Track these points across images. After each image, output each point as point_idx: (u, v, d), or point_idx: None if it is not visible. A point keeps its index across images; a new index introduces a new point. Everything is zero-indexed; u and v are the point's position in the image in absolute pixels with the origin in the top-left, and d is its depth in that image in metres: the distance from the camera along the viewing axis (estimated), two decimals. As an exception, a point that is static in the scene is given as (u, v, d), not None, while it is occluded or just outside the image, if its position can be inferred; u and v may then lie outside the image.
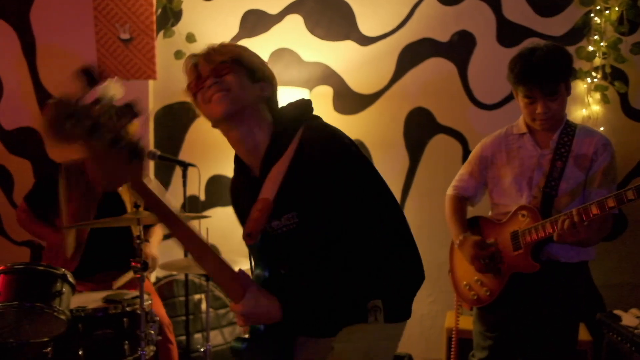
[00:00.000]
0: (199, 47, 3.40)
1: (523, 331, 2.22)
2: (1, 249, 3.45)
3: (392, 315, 1.35)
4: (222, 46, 1.44)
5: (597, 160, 2.13)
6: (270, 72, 1.48)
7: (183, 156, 3.45)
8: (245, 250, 1.52)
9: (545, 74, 2.05)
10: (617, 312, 2.73)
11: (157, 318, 2.47)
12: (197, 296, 3.30)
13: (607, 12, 3.32)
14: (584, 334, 2.88)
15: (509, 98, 3.36)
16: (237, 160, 1.53)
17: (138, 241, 2.21)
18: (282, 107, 1.49)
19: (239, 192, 1.57)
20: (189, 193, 3.14)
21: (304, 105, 1.47)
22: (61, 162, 2.90)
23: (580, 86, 3.45)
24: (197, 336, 3.25)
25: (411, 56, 3.45)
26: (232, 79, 1.39)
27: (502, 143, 2.29)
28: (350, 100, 3.43)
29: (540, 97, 2.08)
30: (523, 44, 3.44)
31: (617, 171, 2.21)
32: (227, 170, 3.49)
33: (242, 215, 1.52)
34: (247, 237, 1.39)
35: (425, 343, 3.40)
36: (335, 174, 1.32)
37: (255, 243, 1.41)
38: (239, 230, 1.61)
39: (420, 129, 3.44)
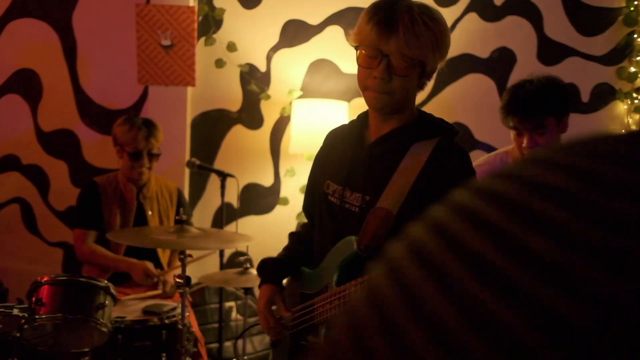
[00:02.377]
0: (240, 56, 3.47)
1: None
2: (35, 250, 3.47)
3: None
4: (418, 37, 1.28)
5: None
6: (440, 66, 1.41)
7: (219, 163, 3.45)
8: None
9: (529, 108, 1.99)
10: None
11: (194, 330, 2.48)
12: (227, 304, 3.31)
13: (652, 33, 3.28)
14: None
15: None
16: (357, 121, 1.49)
17: (182, 256, 2.21)
18: (425, 112, 1.48)
19: (337, 141, 1.52)
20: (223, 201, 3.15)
21: (448, 123, 1.45)
22: (95, 179, 2.88)
23: (620, 107, 3.42)
24: (227, 344, 3.25)
25: (450, 71, 3.43)
26: (401, 84, 1.33)
27: (496, 169, 2.23)
28: (387, 114, 3.42)
29: (526, 130, 2.02)
30: (564, 62, 3.45)
31: None
32: (262, 178, 3.51)
33: (326, 164, 1.50)
34: (363, 249, 1.31)
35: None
36: None
37: (369, 256, 1.32)
38: (271, 238, 1.62)
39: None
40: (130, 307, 2.50)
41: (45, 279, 2.18)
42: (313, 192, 1.57)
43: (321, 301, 1.39)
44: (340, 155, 1.47)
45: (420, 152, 1.35)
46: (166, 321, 2.36)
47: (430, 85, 3.50)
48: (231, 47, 3.38)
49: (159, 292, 2.71)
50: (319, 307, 1.40)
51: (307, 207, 1.63)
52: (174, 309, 2.41)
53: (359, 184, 1.40)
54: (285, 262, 1.58)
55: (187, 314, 2.44)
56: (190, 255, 2.28)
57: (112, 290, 2.24)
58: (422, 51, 1.30)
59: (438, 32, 1.32)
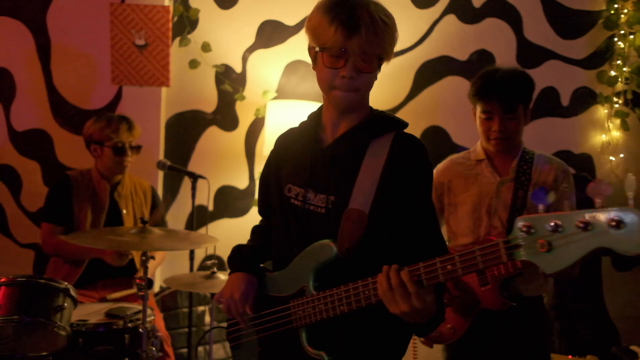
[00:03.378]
0: (215, 56, 3.43)
1: None
2: (6, 251, 3.42)
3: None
4: (378, 34, 1.31)
5: (558, 189, 2.05)
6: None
7: (193, 165, 3.41)
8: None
9: (505, 89, 2.01)
10: (634, 348, 2.66)
11: (159, 334, 2.42)
12: (200, 308, 3.26)
13: (632, 37, 3.25)
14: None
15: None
16: (309, 122, 1.49)
17: (144, 258, 2.16)
18: (374, 108, 1.48)
19: (290, 144, 1.51)
20: (197, 203, 3.10)
21: (397, 117, 1.46)
22: (68, 173, 2.86)
23: (600, 111, 3.39)
24: (200, 349, 3.20)
25: (428, 74, 3.40)
26: (367, 79, 1.36)
27: (460, 169, 2.18)
28: (364, 116, 3.38)
29: (497, 114, 2.01)
30: (543, 65, 3.41)
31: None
32: (236, 181, 3.46)
33: (283, 168, 1.49)
34: (344, 252, 1.32)
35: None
36: (421, 189, 1.39)
37: (350, 258, 1.33)
38: (243, 240, 1.58)
39: (435, 147, 3.38)
40: (93, 310, 2.45)
41: (2, 280, 2.13)
42: (268, 195, 1.56)
43: (299, 305, 1.38)
44: (297, 158, 1.46)
45: (380, 148, 1.37)
46: (129, 324, 2.31)
47: (407, 87, 3.50)
48: (206, 47, 3.34)
49: (133, 291, 2.65)
50: (298, 311, 1.38)
51: (262, 209, 1.62)
52: (138, 312, 2.36)
53: (322, 185, 1.39)
54: (259, 254, 1.57)
55: (153, 317, 2.40)
56: (152, 257, 2.23)
57: (72, 292, 2.18)
58: (382, 48, 1.33)
59: (393, 27, 1.35)
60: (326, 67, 1.34)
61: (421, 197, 1.38)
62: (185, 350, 3.06)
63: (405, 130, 1.43)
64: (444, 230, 2.27)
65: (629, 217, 0.93)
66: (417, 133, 3.39)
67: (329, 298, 1.32)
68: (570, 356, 2.92)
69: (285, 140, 1.55)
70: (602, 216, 0.95)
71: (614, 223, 0.93)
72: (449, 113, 3.40)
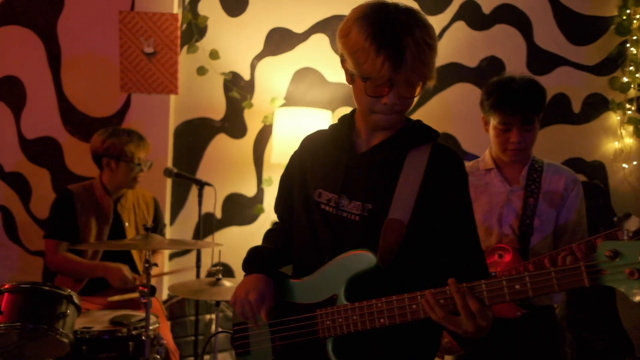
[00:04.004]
0: (223, 64, 3.44)
1: None
2: (16, 258, 3.43)
3: None
4: (424, 62, 1.26)
5: (568, 197, 2.03)
6: None
7: (201, 172, 3.40)
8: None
9: (525, 101, 1.98)
10: (646, 360, 2.59)
11: (164, 342, 2.41)
12: (207, 316, 3.24)
13: (645, 42, 3.20)
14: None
15: (537, 128, 3.26)
16: (341, 126, 1.46)
17: (146, 265, 2.15)
18: (408, 117, 1.47)
19: (318, 147, 1.48)
20: (204, 211, 3.09)
21: (431, 127, 1.45)
22: (70, 188, 2.84)
23: (613, 118, 3.34)
24: (207, 357, 3.18)
25: (438, 80, 3.36)
26: (409, 103, 1.34)
27: (469, 178, 2.17)
28: (373, 123, 3.36)
29: (517, 125, 1.98)
30: (554, 72, 3.37)
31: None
32: (245, 189, 3.45)
33: (311, 172, 1.46)
34: (384, 263, 1.29)
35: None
36: (461, 202, 1.38)
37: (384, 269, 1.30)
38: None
39: (444, 155, 3.35)
40: (98, 317, 2.44)
41: (6, 286, 2.13)
42: (290, 198, 1.51)
43: (327, 315, 1.32)
44: (329, 162, 1.42)
45: (418, 159, 1.35)
46: (134, 332, 2.30)
47: (416, 94, 3.47)
48: (214, 54, 3.34)
49: (135, 295, 2.64)
50: (326, 321, 1.32)
51: (281, 211, 1.58)
52: (143, 319, 2.34)
53: (358, 192, 1.36)
54: (278, 258, 1.50)
55: (157, 325, 2.38)
56: (155, 264, 2.22)
57: (76, 299, 2.17)
58: (426, 74, 1.30)
59: (436, 48, 1.31)
60: (369, 95, 1.30)
61: (462, 210, 1.37)
62: (192, 358, 3.04)
63: None
64: None
65: None
66: (426, 140, 3.36)
67: (366, 309, 1.26)
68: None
69: (314, 143, 1.50)
70: None
71: None
72: (458, 120, 3.37)
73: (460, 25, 3.39)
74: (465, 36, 3.40)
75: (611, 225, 1.82)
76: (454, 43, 3.39)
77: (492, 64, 3.37)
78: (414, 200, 1.31)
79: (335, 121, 1.51)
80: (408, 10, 1.29)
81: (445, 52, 3.38)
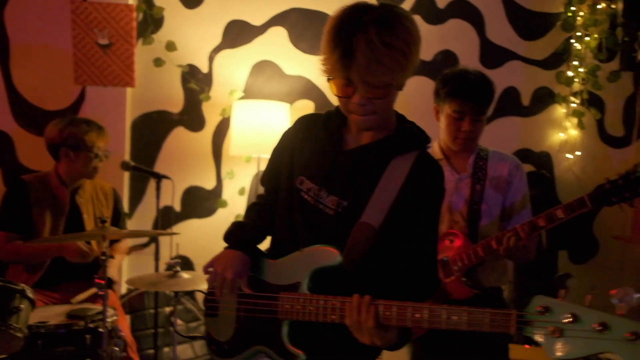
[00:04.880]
0: (180, 56, 3.41)
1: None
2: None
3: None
4: (380, 61, 1.21)
5: (512, 182, 2.15)
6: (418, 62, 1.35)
7: (160, 166, 3.38)
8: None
9: (480, 91, 2.09)
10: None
11: (122, 334, 2.40)
12: (167, 309, 3.24)
13: (587, 39, 3.35)
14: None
15: (490, 118, 3.38)
16: (335, 117, 1.45)
17: (103, 257, 2.14)
18: (404, 118, 1.48)
19: (311, 133, 1.48)
20: (163, 204, 3.09)
21: (424, 132, 1.46)
22: (23, 178, 2.75)
23: (559, 110, 3.48)
24: (166, 350, 3.18)
25: (394, 74, 3.44)
26: (381, 103, 1.31)
27: None
28: (331, 116, 3.41)
29: (469, 115, 2.08)
30: (505, 66, 3.49)
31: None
32: (204, 181, 3.45)
33: (299, 157, 1.47)
34: (348, 264, 1.32)
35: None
36: (431, 216, 1.40)
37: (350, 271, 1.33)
38: (211, 243, 1.57)
39: (400, 147, 3.43)
40: (54, 311, 2.41)
41: (-43, 283, 2.09)
42: (278, 172, 1.53)
43: (288, 299, 1.37)
44: (316, 152, 1.45)
45: (401, 166, 1.37)
46: (91, 325, 2.29)
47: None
48: (171, 46, 3.31)
49: (96, 290, 2.60)
50: (285, 304, 1.38)
51: (268, 185, 1.60)
52: (100, 312, 2.33)
53: (338, 188, 1.39)
54: (259, 234, 1.55)
55: (115, 317, 2.37)
56: (112, 256, 2.21)
57: (29, 293, 2.14)
58: (388, 74, 1.24)
59: (404, 46, 1.25)
60: (337, 95, 1.32)
61: (429, 224, 1.40)
62: (152, 351, 3.04)
63: None
64: None
65: None
66: (383, 132, 3.43)
67: (322, 303, 1.32)
68: (527, 346, 3.01)
69: (307, 126, 1.51)
70: (622, 325, 0.95)
71: (632, 336, 0.93)
72: (414, 112, 3.39)
73: (415, 19, 3.44)
74: (421, 30, 3.46)
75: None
76: (410, 37, 3.46)
77: (447, 58, 3.46)
78: (389, 207, 1.33)
79: (293, 113, 1.54)
80: (378, 10, 1.26)
81: (401, 46, 3.44)
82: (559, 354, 1.01)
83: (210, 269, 1.48)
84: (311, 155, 1.45)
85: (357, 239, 1.34)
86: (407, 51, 1.25)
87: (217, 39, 3.40)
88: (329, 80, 1.31)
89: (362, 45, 1.22)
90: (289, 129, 1.56)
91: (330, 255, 1.34)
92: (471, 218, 2.13)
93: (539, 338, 1.05)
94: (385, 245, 1.35)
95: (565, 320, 1.01)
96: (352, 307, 1.24)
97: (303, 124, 1.53)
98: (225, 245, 1.54)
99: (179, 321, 3.18)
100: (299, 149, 1.49)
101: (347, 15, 1.28)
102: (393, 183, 1.35)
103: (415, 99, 3.45)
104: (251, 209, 1.63)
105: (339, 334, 1.34)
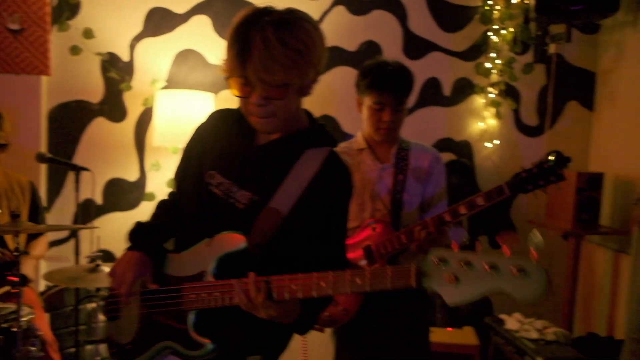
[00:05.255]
0: (99, 44, 3.29)
1: (380, 347, 2.21)
2: None
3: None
4: (276, 59, 1.21)
5: (433, 173, 2.24)
6: (321, 68, 1.35)
7: (79, 158, 3.27)
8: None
9: (399, 82, 2.14)
10: (502, 316, 2.89)
11: (40, 333, 2.32)
12: (90, 305, 3.14)
13: (504, 32, 3.49)
14: (471, 338, 3.04)
15: (412, 108, 3.47)
16: (242, 114, 1.41)
17: (16, 253, 2.06)
18: (314, 117, 1.48)
19: (223, 129, 1.47)
20: (84, 197, 2.99)
21: (331, 135, 1.48)
22: None
23: (478, 101, 3.62)
24: (89, 347, 3.09)
25: (319, 64, 3.46)
26: (281, 105, 1.29)
27: (343, 157, 2.30)
28: (257, 106, 3.39)
29: (389, 105, 2.13)
30: (427, 57, 3.59)
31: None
32: (127, 173, 3.36)
33: (209, 152, 1.46)
34: (253, 247, 1.32)
35: None
36: (341, 206, 1.43)
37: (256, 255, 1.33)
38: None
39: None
40: (-35, 312, 2.30)
41: None
42: (189, 166, 1.51)
43: (192, 289, 1.37)
44: (228, 147, 1.43)
45: (313, 158, 1.39)
46: (4, 325, 2.20)
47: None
48: (88, 33, 3.20)
49: (7, 288, 2.50)
50: (190, 295, 1.37)
51: (178, 181, 1.58)
52: (15, 311, 2.24)
53: (250, 183, 1.39)
54: (162, 233, 1.52)
55: (31, 315, 2.29)
56: (26, 252, 2.13)
57: None
58: (283, 72, 1.23)
59: (301, 46, 1.23)
60: (236, 95, 1.31)
61: (337, 216, 1.43)
62: (73, 349, 2.95)
63: None
64: None
65: (532, 268, 1.00)
66: (310, 122, 3.46)
67: (227, 287, 1.32)
68: (449, 328, 3.14)
69: (221, 121, 1.50)
70: (509, 263, 1.02)
71: (518, 271, 1.01)
72: (338, 102, 3.49)
73: (340, 9, 3.50)
74: (345, 20, 3.51)
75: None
76: (334, 27, 3.49)
77: (371, 48, 3.52)
78: (298, 196, 1.35)
79: (217, 103, 1.53)
80: (280, 12, 1.27)
81: (326, 36, 3.47)
82: (456, 299, 1.07)
83: (112, 275, 1.47)
84: (223, 149, 1.45)
85: (265, 223, 1.35)
86: (304, 51, 1.24)
87: (138, 27, 3.31)
88: (227, 79, 1.31)
89: (257, 42, 1.22)
90: (202, 124, 1.55)
91: (235, 240, 1.34)
92: (394, 207, 2.19)
93: (436, 287, 1.10)
94: (292, 232, 1.37)
95: (459, 267, 1.07)
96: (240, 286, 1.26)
97: (216, 118, 1.53)
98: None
99: (102, 317, 3.10)
100: (210, 144, 1.48)
101: (249, 16, 1.28)
102: (304, 174, 1.37)
103: (339, 88, 3.51)
104: (160, 206, 1.61)
105: (246, 319, 1.34)
